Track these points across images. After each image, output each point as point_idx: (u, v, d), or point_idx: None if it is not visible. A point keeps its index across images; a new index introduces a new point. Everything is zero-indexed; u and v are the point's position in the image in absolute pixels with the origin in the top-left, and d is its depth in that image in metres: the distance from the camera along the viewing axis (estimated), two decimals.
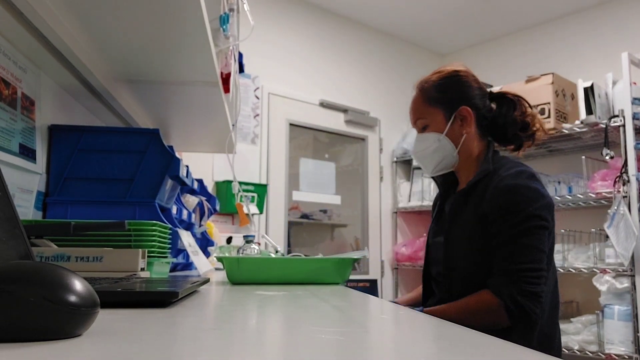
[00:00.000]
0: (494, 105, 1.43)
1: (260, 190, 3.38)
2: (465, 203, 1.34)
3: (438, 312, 1.26)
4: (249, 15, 1.72)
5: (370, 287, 3.85)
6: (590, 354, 2.91)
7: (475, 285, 1.26)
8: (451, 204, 1.39)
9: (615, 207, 2.81)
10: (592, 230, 3.07)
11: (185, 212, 1.61)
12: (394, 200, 4.31)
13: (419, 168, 4.22)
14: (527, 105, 1.44)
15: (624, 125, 2.89)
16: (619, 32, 3.71)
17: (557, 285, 1.35)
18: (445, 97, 1.38)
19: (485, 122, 1.41)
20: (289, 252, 3.58)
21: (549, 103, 3.16)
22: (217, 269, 1.68)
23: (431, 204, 1.63)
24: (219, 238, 2.41)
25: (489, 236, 1.26)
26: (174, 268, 1.46)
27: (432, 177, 1.53)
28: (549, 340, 1.28)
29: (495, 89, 1.49)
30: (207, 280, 0.90)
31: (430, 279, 1.47)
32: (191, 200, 1.86)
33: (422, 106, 1.40)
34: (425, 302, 1.45)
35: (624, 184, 2.83)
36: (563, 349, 3.01)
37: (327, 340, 0.39)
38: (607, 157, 2.94)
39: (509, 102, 1.43)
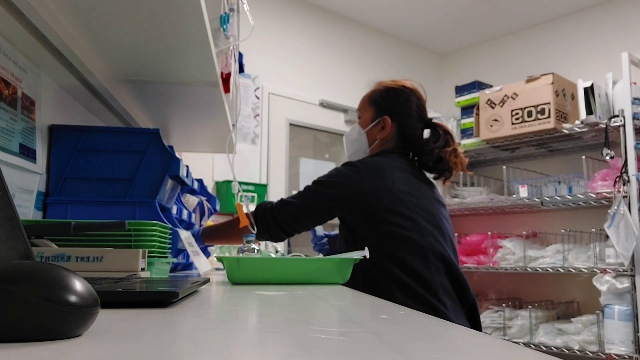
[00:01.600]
0: (426, 131, 1.62)
1: (260, 190, 3.38)
2: None
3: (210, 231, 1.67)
4: (249, 15, 1.72)
5: None
6: (591, 354, 2.90)
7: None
8: None
9: (616, 207, 2.81)
10: (593, 230, 3.07)
11: (185, 212, 1.61)
12: None
13: None
14: (451, 142, 1.58)
15: (624, 125, 2.89)
16: (619, 32, 3.70)
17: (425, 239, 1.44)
18: (380, 103, 1.59)
19: (404, 141, 1.58)
20: (289, 252, 3.58)
21: (549, 103, 3.16)
22: (217, 269, 1.69)
23: None
24: None
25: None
26: (174, 268, 1.46)
27: None
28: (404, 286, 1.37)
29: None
30: (207, 280, 0.90)
31: None
32: (191, 200, 1.86)
33: (364, 100, 1.64)
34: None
35: (624, 184, 2.83)
36: (563, 349, 3.01)
37: (327, 340, 0.39)
38: (607, 157, 2.94)
39: (436, 133, 1.59)
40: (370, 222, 1.43)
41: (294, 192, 1.57)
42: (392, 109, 1.57)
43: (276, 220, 1.51)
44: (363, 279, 1.37)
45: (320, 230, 1.76)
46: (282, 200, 1.56)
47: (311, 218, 1.53)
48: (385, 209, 1.41)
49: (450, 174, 1.58)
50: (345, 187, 1.46)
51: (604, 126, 2.98)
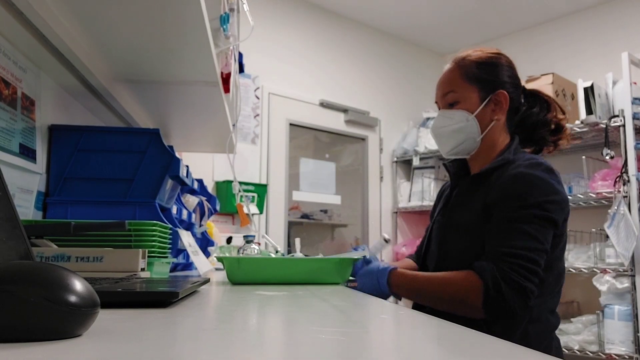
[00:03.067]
0: (524, 102, 1.35)
1: (260, 190, 3.38)
2: (475, 190, 1.25)
3: (408, 276, 1.19)
4: (249, 15, 1.72)
5: None
6: (591, 354, 2.90)
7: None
8: (459, 189, 1.32)
9: (616, 207, 2.81)
10: (593, 230, 3.07)
11: (185, 212, 1.61)
12: (394, 200, 4.31)
13: (419, 168, 4.22)
14: (560, 110, 1.35)
15: (624, 125, 2.89)
16: (619, 32, 3.70)
17: (559, 291, 1.27)
18: (484, 77, 1.28)
19: (515, 116, 1.32)
20: (289, 252, 3.58)
21: None
22: (217, 269, 1.68)
23: (432, 204, 1.56)
24: (219, 238, 2.41)
25: (487, 222, 1.17)
26: (174, 268, 1.46)
27: (445, 165, 1.43)
28: (532, 342, 1.15)
29: (527, 86, 1.38)
30: (207, 280, 0.90)
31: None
32: (191, 200, 1.86)
33: (457, 80, 1.29)
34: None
35: (624, 184, 2.83)
36: (563, 349, 3.01)
37: (327, 340, 0.39)
38: (608, 157, 2.94)
39: (543, 102, 1.35)
40: (553, 245, 1.17)
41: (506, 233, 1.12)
42: (499, 80, 1.28)
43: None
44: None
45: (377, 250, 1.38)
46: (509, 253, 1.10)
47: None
48: (563, 226, 1.20)
49: (557, 145, 1.34)
50: (565, 208, 1.17)
51: (604, 126, 2.98)
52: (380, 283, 1.17)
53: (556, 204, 1.14)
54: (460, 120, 1.27)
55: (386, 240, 1.32)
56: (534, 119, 1.33)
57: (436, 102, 1.35)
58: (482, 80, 1.27)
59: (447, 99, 1.30)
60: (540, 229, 1.11)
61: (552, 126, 1.32)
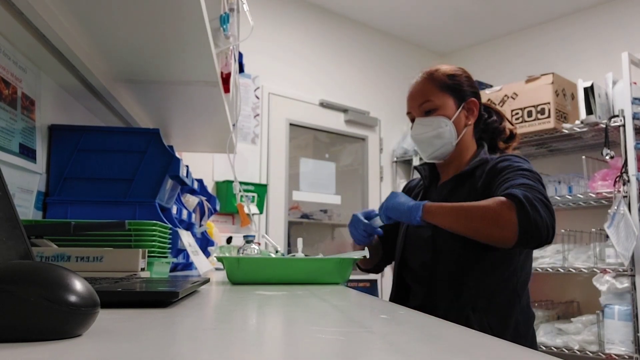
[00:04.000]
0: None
1: (260, 190, 3.38)
2: (457, 190, 1.35)
3: (443, 205, 1.23)
4: (249, 15, 1.72)
5: (370, 287, 3.86)
6: (591, 354, 2.90)
7: (461, 274, 1.26)
8: (440, 190, 1.40)
9: (616, 207, 2.81)
10: (593, 230, 3.07)
11: (185, 212, 1.61)
12: None
13: None
14: (508, 120, 1.51)
15: (624, 125, 2.89)
16: (619, 32, 3.70)
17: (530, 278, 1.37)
18: (456, 86, 1.39)
19: (479, 124, 1.45)
20: (289, 252, 3.58)
21: (549, 103, 3.16)
22: (217, 269, 1.68)
23: None
24: (219, 238, 2.41)
25: None
26: (174, 268, 1.46)
27: (417, 169, 1.54)
28: (522, 332, 1.27)
29: (486, 95, 1.61)
30: (207, 280, 0.90)
31: (406, 278, 1.42)
32: (191, 200, 1.86)
33: (432, 90, 1.39)
34: (402, 303, 1.40)
35: (624, 184, 2.83)
36: (563, 349, 3.01)
37: (327, 340, 0.39)
38: (607, 157, 2.94)
39: (496, 113, 1.50)
40: None
41: (515, 181, 1.20)
42: (469, 89, 1.41)
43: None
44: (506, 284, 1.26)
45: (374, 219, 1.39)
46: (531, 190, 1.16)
47: None
48: None
49: (514, 143, 1.48)
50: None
51: (604, 126, 2.98)
52: (412, 210, 1.24)
53: (538, 174, 1.27)
54: (439, 125, 1.37)
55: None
56: (493, 126, 1.47)
57: (409, 113, 1.45)
58: (454, 89, 1.40)
59: (424, 107, 1.39)
60: (537, 181, 1.22)
61: (507, 133, 1.47)
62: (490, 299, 1.25)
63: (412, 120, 1.43)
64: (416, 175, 1.57)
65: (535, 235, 1.10)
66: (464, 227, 1.19)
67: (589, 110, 3.03)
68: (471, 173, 1.34)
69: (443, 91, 1.38)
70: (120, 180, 1.29)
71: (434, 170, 1.49)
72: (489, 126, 1.46)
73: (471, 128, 1.41)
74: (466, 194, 1.31)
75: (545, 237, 1.12)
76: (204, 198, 1.98)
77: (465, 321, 1.21)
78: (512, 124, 1.50)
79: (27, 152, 1.15)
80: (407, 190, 1.58)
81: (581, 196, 3.12)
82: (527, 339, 1.28)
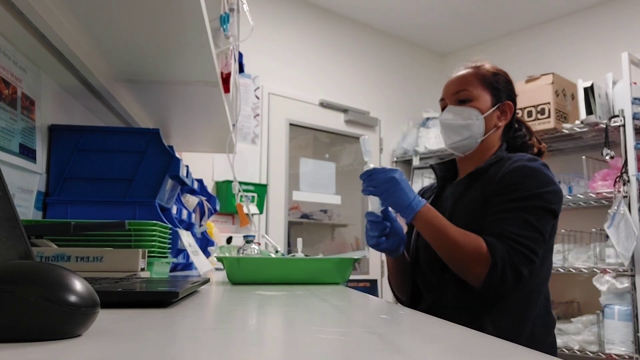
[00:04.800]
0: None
1: (260, 190, 3.38)
2: (470, 187, 1.31)
3: (438, 216, 1.20)
4: (249, 15, 1.72)
5: (371, 287, 3.86)
6: (591, 354, 2.90)
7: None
8: (454, 189, 1.37)
9: (616, 207, 2.81)
10: (593, 230, 3.07)
11: (185, 212, 1.61)
12: None
13: (419, 168, 4.22)
14: (538, 140, 1.46)
15: (624, 125, 2.89)
16: (619, 32, 3.71)
17: (548, 283, 1.32)
18: (496, 86, 1.37)
19: (509, 131, 1.42)
20: (289, 252, 3.58)
21: (549, 103, 3.16)
22: (217, 269, 1.68)
23: None
24: (219, 238, 2.41)
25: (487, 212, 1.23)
26: (174, 268, 1.46)
27: (433, 167, 1.50)
28: (538, 338, 1.24)
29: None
30: (207, 280, 0.90)
31: (417, 279, 1.38)
32: (191, 200, 1.86)
33: (473, 81, 1.36)
34: (415, 307, 1.36)
35: (624, 184, 2.83)
36: (563, 349, 3.01)
37: (327, 340, 0.39)
38: (608, 157, 2.94)
39: (526, 128, 1.46)
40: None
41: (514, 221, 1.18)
42: (508, 93, 1.38)
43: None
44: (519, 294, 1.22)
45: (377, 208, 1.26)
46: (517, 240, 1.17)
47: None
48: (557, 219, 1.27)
49: (542, 157, 1.42)
50: (561, 201, 1.26)
51: (604, 126, 2.98)
52: (412, 204, 1.19)
53: (555, 194, 1.22)
54: (470, 117, 1.34)
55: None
56: (522, 140, 1.43)
57: (442, 100, 1.40)
58: (495, 87, 1.36)
59: (460, 95, 1.36)
60: (541, 220, 1.19)
61: (535, 150, 1.42)
62: (502, 302, 1.21)
63: (442, 108, 1.40)
64: (424, 178, 1.54)
65: (496, 290, 1.15)
66: (439, 251, 1.20)
67: (589, 110, 3.03)
68: (486, 170, 1.31)
69: (483, 86, 1.36)
70: (120, 180, 1.29)
71: (450, 170, 1.46)
72: (517, 139, 1.42)
73: (500, 130, 1.38)
74: (477, 194, 1.28)
75: (501, 294, 1.17)
76: (204, 198, 1.98)
77: (478, 322, 1.20)
78: (540, 142, 1.45)
79: (27, 152, 1.15)
80: (423, 194, 1.53)
81: (581, 196, 3.13)
82: (544, 346, 1.24)
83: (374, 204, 1.23)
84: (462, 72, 1.39)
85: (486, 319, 1.21)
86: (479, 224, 1.23)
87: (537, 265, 1.22)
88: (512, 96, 1.40)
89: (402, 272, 1.41)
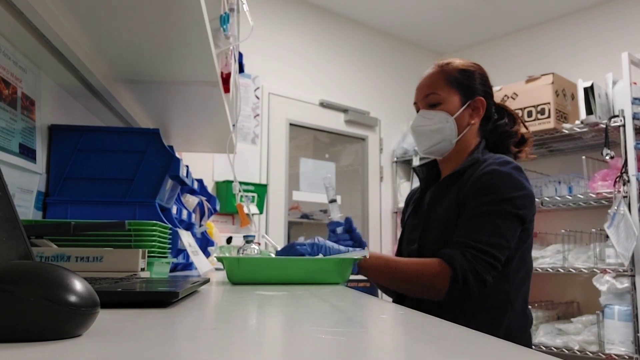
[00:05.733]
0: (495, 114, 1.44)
1: (260, 190, 3.38)
2: (447, 190, 1.32)
3: (381, 258, 1.23)
4: (249, 15, 1.72)
5: (370, 287, 3.85)
6: (591, 354, 2.90)
7: None
8: (432, 192, 1.37)
9: (616, 207, 2.81)
10: (593, 230, 3.07)
11: (185, 212, 1.61)
12: (394, 200, 4.31)
13: None
14: (523, 124, 1.45)
15: (624, 125, 2.89)
16: (619, 32, 3.71)
17: (529, 283, 1.34)
18: (466, 83, 1.35)
19: (487, 124, 1.40)
20: None
21: (549, 103, 3.16)
22: (217, 269, 1.68)
23: None
24: (219, 238, 2.41)
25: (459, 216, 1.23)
26: (174, 268, 1.46)
27: (415, 170, 1.52)
28: (515, 337, 1.24)
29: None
30: (207, 280, 0.90)
31: None
32: (191, 200, 1.86)
33: (440, 83, 1.35)
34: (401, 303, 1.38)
35: (624, 184, 2.83)
36: (563, 349, 3.01)
37: (327, 340, 0.39)
38: (607, 157, 2.94)
39: (510, 115, 1.44)
40: (522, 239, 1.26)
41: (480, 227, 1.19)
42: (479, 88, 1.36)
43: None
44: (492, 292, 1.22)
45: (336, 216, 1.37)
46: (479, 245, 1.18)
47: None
48: (531, 222, 1.27)
49: (518, 157, 1.42)
50: (533, 204, 1.25)
51: (604, 126, 2.98)
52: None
53: (525, 199, 1.22)
54: (440, 121, 1.34)
55: (333, 200, 1.37)
56: (502, 129, 1.41)
57: (415, 104, 1.43)
58: (463, 85, 1.35)
59: (429, 99, 1.36)
60: (508, 225, 1.19)
61: (518, 137, 1.41)
62: (479, 302, 1.21)
63: (417, 112, 1.41)
64: (416, 178, 1.56)
65: (461, 298, 1.17)
66: (396, 287, 1.23)
67: (589, 111, 3.03)
68: (460, 174, 1.31)
69: (450, 86, 1.34)
70: (120, 180, 1.29)
71: (432, 170, 1.46)
72: (498, 128, 1.40)
73: (475, 127, 1.36)
74: (452, 197, 1.28)
75: (464, 302, 1.20)
76: (204, 198, 1.98)
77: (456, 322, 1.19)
78: (526, 128, 1.44)
79: (27, 152, 1.15)
80: (409, 198, 1.55)
81: (581, 196, 3.13)
82: (521, 344, 1.25)
83: (334, 212, 1.33)
84: (429, 71, 1.39)
85: (462, 320, 1.20)
86: (450, 226, 1.25)
87: (513, 268, 1.24)
88: (485, 89, 1.38)
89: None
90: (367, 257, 1.17)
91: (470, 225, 1.20)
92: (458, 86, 1.35)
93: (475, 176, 1.25)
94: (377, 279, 1.24)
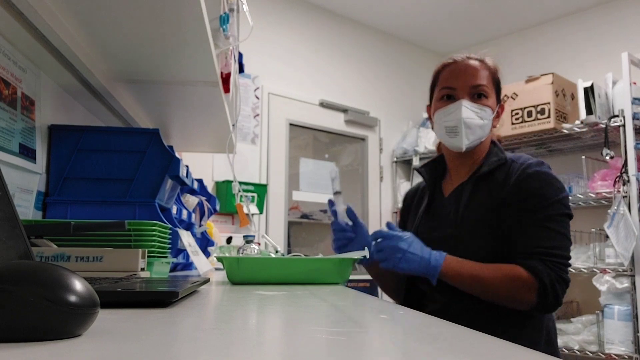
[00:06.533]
0: None
1: (260, 190, 3.38)
2: (478, 190, 1.29)
3: (464, 262, 1.19)
4: (248, 15, 1.72)
5: (370, 287, 3.86)
6: (591, 354, 2.90)
7: None
8: (459, 191, 1.33)
9: (615, 207, 2.81)
10: (592, 230, 3.07)
11: (185, 212, 1.61)
12: (394, 200, 4.31)
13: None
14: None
15: (624, 125, 2.89)
16: (619, 32, 3.71)
17: None
18: (500, 86, 1.35)
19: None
20: (289, 252, 3.58)
21: (549, 103, 3.16)
22: (217, 269, 1.68)
23: None
24: (219, 238, 2.41)
25: (504, 220, 1.21)
26: (174, 268, 1.46)
27: (418, 172, 1.47)
28: (553, 340, 1.27)
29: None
30: (207, 280, 0.90)
31: (418, 283, 1.36)
32: (191, 200, 1.86)
33: (487, 78, 1.31)
34: (418, 308, 1.33)
35: (624, 184, 2.83)
36: (563, 349, 3.01)
37: (327, 340, 0.39)
38: (607, 157, 2.94)
39: None
40: None
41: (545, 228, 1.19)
42: (500, 96, 1.37)
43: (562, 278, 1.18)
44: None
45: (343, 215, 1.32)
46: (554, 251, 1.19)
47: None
48: None
49: None
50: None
51: (603, 126, 2.98)
52: (432, 263, 1.18)
53: (568, 197, 1.25)
54: (487, 116, 1.29)
55: (338, 192, 1.32)
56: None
57: (451, 88, 1.31)
58: (498, 87, 1.35)
59: (479, 89, 1.29)
60: (565, 226, 1.21)
61: (495, 137, 1.43)
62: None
63: (448, 97, 1.31)
64: (416, 178, 1.55)
65: (549, 311, 1.19)
66: (480, 295, 1.19)
67: (589, 111, 3.03)
68: (490, 174, 1.28)
69: (492, 84, 1.32)
70: (120, 180, 1.29)
71: (436, 169, 1.43)
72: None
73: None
74: (486, 199, 1.26)
75: (554, 310, 1.20)
76: (203, 198, 1.98)
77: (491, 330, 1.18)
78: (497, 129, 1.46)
79: (27, 152, 1.15)
80: (410, 198, 1.51)
81: (581, 196, 3.12)
82: (556, 347, 1.28)
83: (339, 204, 1.29)
84: (475, 64, 1.31)
85: (514, 329, 1.20)
86: (489, 229, 1.23)
87: None
88: (500, 98, 1.37)
89: (392, 274, 1.39)
90: (367, 257, 1.17)
91: (533, 237, 1.19)
92: (496, 87, 1.33)
93: (514, 178, 1.23)
94: (459, 286, 1.20)
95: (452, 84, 1.31)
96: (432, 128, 1.40)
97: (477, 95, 1.29)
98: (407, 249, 1.18)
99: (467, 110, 1.27)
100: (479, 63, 1.32)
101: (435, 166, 1.43)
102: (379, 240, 1.23)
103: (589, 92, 3.04)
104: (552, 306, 1.16)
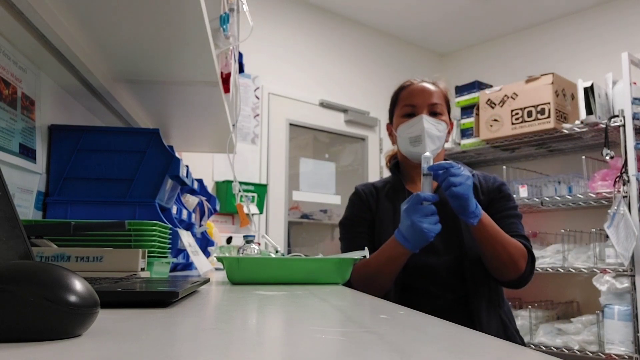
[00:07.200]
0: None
1: (260, 190, 3.38)
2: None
3: (493, 222, 1.34)
4: (248, 16, 1.72)
5: None
6: (591, 354, 2.90)
7: (484, 269, 1.40)
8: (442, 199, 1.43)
9: (615, 207, 2.81)
10: (592, 230, 3.07)
11: (185, 212, 1.61)
12: None
13: None
14: None
15: (624, 125, 2.89)
16: (619, 32, 3.71)
17: None
18: (449, 107, 1.56)
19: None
20: (289, 252, 3.58)
21: (549, 103, 3.16)
22: (217, 269, 1.68)
23: None
24: (219, 238, 2.41)
25: (492, 215, 1.39)
26: (174, 268, 1.46)
27: (391, 170, 1.64)
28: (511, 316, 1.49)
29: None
30: (207, 280, 0.90)
31: (412, 281, 1.41)
32: (191, 200, 1.86)
33: (441, 98, 1.51)
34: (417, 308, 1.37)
35: (624, 184, 2.83)
36: (563, 349, 3.01)
37: (327, 340, 0.39)
38: (607, 157, 2.94)
39: None
40: None
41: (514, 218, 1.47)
42: (450, 114, 1.58)
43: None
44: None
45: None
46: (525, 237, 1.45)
47: None
48: None
49: None
50: None
51: (603, 126, 2.98)
52: (477, 209, 1.29)
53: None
54: (443, 129, 1.48)
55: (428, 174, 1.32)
56: None
57: (411, 106, 1.49)
58: (449, 109, 1.56)
59: (435, 108, 1.48)
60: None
61: None
62: (501, 294, 1.47)
63: (408, 115, 1.48)
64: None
65: (522, 284, 1.42)
66: (498, 251, 1.33)
67: (589, 111, 3.03)
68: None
69: (445, 103, 1.52)
70: (120, 180, 1.29)
71: (395, 192, 1.55)
72: None
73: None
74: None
75: (526, 283, 1.44)
76: (203, 198, 1.98)
77: (499, 317, 1.41)
78: None
79: (27, 152, 1.15)
80: (370, 191, 1.63)
81: (581, 196, 3.12)
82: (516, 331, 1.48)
83: (425, 187, 1.29)
84: (430, 86, 1.52)
85: (502, 309, 1.44)
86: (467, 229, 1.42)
87: None
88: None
89: (399, 266, 1.41)
90: (367, 257, 1.17)
91: (513, 224, 1.43)
92: (447, 108, 1.53)
93: (491, 186, 1.49)
94: (487, 234, 1.32)
95: (412, 102, 1.50)
96: (392, 143, 1.59)
97: (433, 113, 1.48)
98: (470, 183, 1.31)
99: (428, 123, 1.46)
100: (433, 85, 1.53)
101: (394, 186, 1.56)
102: (448, 170, 1.29)
103: (589, 92, 3.04)
104: (528, 279, 1.41)
